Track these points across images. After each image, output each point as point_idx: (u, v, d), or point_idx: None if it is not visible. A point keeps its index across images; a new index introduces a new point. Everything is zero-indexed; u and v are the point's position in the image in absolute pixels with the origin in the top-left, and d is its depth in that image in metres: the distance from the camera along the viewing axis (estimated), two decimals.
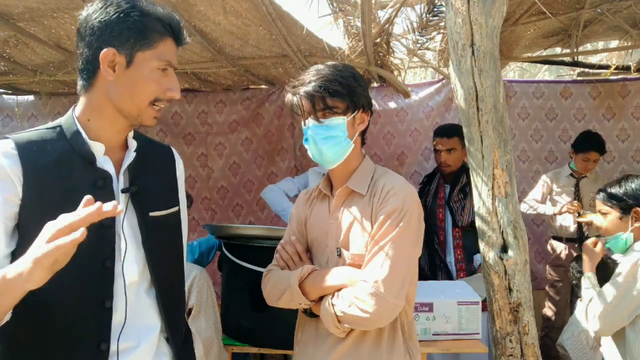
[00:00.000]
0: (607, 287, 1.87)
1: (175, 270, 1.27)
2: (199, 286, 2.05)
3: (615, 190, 2.00)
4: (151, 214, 1.18)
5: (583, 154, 3.50)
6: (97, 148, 1.12)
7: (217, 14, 2.36)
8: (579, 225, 3.57)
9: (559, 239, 3.70)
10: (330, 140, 1.34)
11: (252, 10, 2.29)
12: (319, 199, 1.49)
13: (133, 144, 1.19)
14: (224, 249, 2.27)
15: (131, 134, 1.21)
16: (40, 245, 0.84)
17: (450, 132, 2.98)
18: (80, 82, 1.13)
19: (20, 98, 4.09)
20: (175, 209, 1.26)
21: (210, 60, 3.10)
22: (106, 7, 1.07)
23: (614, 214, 1.99)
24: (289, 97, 1.39)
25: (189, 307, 2.03)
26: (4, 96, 4.12)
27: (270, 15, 2.28)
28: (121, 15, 1.07)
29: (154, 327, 1.18)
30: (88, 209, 0.85)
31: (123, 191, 1.14)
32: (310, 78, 1.34)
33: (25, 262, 0.85)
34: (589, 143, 3.51)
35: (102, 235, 1.08)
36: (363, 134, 1.43)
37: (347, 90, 1.33)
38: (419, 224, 1.34)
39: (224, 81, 3.83)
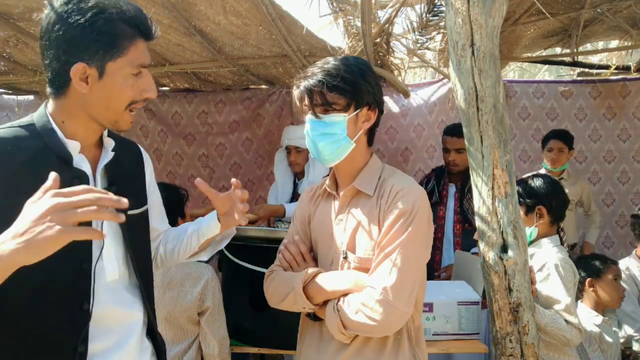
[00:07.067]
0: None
1: (150, 266, 1.31)
2: (213, 287, 2.09)
3: (521, 189, 2.08)
4: (129, 212, 1.17)
5: (546, 146, 3.42)
6: (73, 146, 1.08)
7: (217, 14, 2.36)
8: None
9: None
10: (327, 138, 1.27)
11: (252, 10, 2.29)
12: (323, 198, 1.43)
13: (110, 143, 1.17)
14: (224, 249, 2.27)
15: (105, 132, 1.18)
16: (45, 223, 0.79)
17: (460, 131, 2.95)
18: (50, 89, 1.08)
19: (21, 98, 4.10)
20: (145, 207, 1.27)
21: (210, 60, 3.10)
22: (68, 16, 0.99)
23: (521, 211, 2.06)
24: (293, 90, 1.33)
25: (204, 308, 2.07)
26: (4, 96, 4.12)
27: (270, 15, 2.28)
28: (86, 25, 0.99)
29: (138, 323, 1.19)
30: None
31: None
32: (314, 71, 1.27)
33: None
34: (548, 135, 3.45)
35: None
36: (371, 132, 1.36)
37: (349, 86, 1.25)
38: (429, 227, 1.28)
39: (224, 81, 3.83)
